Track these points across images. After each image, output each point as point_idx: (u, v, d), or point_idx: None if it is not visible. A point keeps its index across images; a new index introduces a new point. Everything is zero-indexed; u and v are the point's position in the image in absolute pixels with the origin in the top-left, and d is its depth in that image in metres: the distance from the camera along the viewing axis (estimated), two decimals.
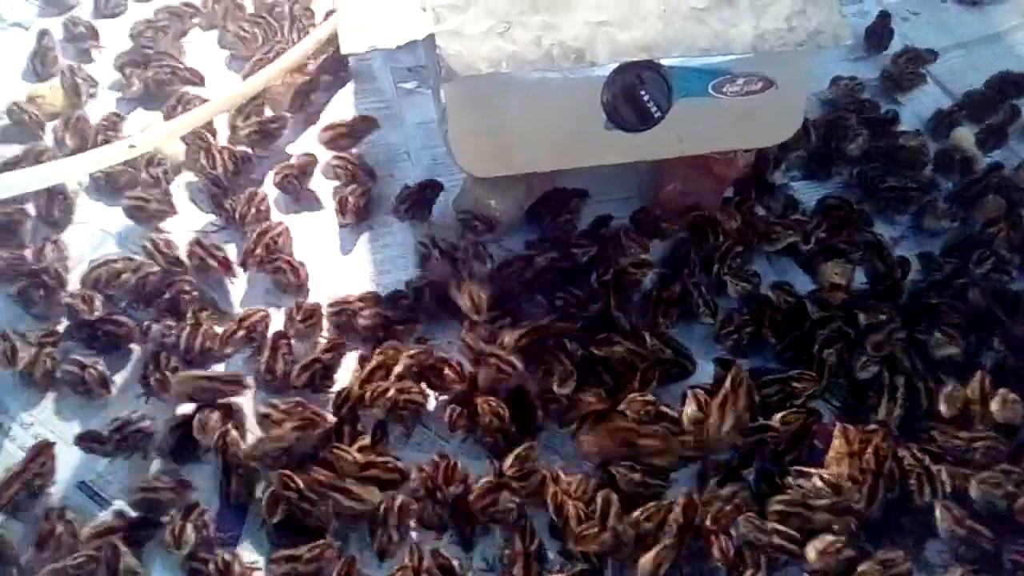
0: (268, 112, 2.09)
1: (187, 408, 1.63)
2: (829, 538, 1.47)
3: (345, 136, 2.03)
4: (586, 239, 1.86)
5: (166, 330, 1.69)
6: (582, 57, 1.58)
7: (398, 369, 1.63)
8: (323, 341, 1.73)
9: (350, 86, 2.20)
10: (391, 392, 1.59)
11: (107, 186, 1.95)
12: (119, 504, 1.54)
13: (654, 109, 1.69)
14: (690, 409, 1.62)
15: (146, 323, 1.71)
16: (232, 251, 1.86)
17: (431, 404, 1.67)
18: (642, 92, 1.67)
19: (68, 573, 1.42)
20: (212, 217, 1.94)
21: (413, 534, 1.50)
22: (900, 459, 1.58)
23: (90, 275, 1.77)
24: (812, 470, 1.56)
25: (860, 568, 1.46)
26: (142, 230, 1.89)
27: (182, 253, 1.82)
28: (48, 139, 2.03)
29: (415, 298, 1.78)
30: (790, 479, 1.56)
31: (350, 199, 1.91)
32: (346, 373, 1.69)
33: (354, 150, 2.04)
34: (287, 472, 1.49)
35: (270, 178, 1.98)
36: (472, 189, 1.89)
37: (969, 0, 2.52)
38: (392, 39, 1.60)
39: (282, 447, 1.53)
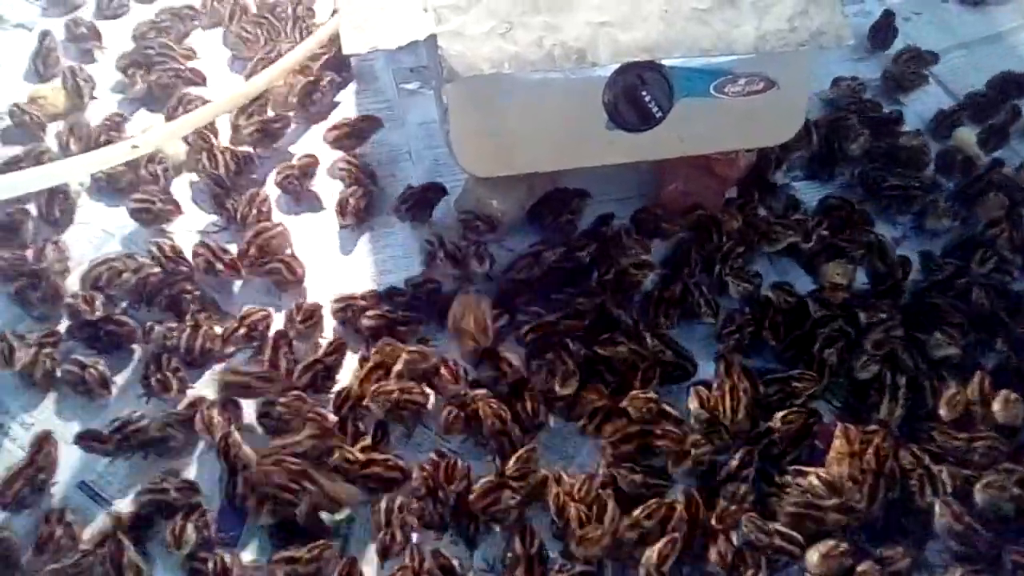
0: (270, 112, 2.09)
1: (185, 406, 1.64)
2: (830, 542, 1.47)
3: (350, 136, 2.03)
4: (588, 238, 1.86)
5: (168, 332, 1.69)
6: (584, 57, 1.58)
7: (397, 368, 1.63)
8: (323, 342, 1.73)
9: (352, 86, 2.21)
10: (394, 393, 1.59)
11: (109, 187, 1.96)
12: (118, 504, 1.55)
13: (655, 109, 1.69)
14: (694, 405, 1.63)
15: (148, 324, 1.71)
16: (234, 251, 1.86)
17: (431, 404, 1.67)
18: (643, 92, 1.67)
19: (67, 573, 1.42)
20: (214, 217, 1.94)
21: (414, 535, 1.50)
22: (901, 459, 1.58)
23: (90, 274, 1.77)
24: (810, 469, 1.56)
25: (859, 568, 1.46)
26: (144, 230, 1.90)
27: (186, 256, 1.82)
28: (50, 140, 2.03)
29: (412, 295, 1.78)
30: (789, 478, 1.56)
31: (350, 201, 1.91)
32: (347, 374, 1.69)
33: (358, 150, 2.04)
34: (265, 468, 1.49)
35: (272, 178, 1.99)
36: (474, 189, 1.89)
37: (971, 0, 2.52)
38: (394, 40, 1.60)
39: (297, 452, 1.54)
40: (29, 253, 1.80)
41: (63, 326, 1.74)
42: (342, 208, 1.91)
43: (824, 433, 1.63)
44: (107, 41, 2.24)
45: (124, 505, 1.54)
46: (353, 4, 1.67)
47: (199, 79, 2.15)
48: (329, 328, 1.77)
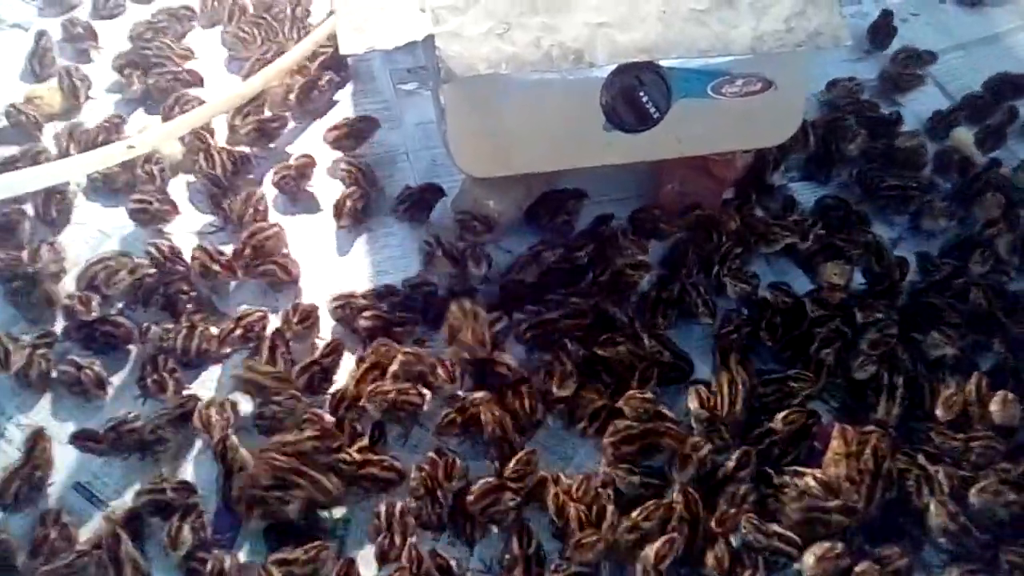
0: (267, 113, 2.09)
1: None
2: (826, 544, 1.47)
3: (349, 136, 2.03)
4: (587, 239, 1.86)
5: (164, 333, 1.69)
6: (581, 58, 1.58)
7: (393, 369, 1.63)
8: (320, 343, 1.73)
9: (349, 87, 2.20)
10: (391, 393, 1.59)
11: (105, 187, 1.95)
12: (114, 506, 1.54)
13: (653, 110, 1.69)
14: (693, 405, 1.63)
15: (145, 324, 1.71)
16: (231, 252, 1.86)
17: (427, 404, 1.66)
18: (641, 93, 1.67)
19: (62, 574, 1.42)
20: (211, 218, 1.93)
21: (412, 537, 1.50)
22: (898, 460, 1.58)
23: (86, 273, 1.77)
24: (807, 471, 1.56)
25: (857, 568, 1.46)
26: (140, 231, 1.89)
27: (184, 256, 1.81)
28: (46, 140, 2.02)
29: (408, 296, 1.78)
30: (787, 479, 1.55)
31: (347, 203, 1.91)
32: (344, 375, 1.69)
33: (357, 151, 2.04)
34: (251, 472, 1.49)
35: (269, 178, 1.98)
36: (471, 190, 1.89)
37: (968, 1, 2.53)
38: (391, 40, 1.60)
39: (296, 452, 1.53)
40: (25, 254, 1.79)
41: (59, 327, 1.74)
42: (339, 209, 1.91)
43: (822, 434, 1.63)
44: (103, 41, 2.24)
45: (120, 506, 1.53)
46: (350, 4, 1.66)
47: (197, 81, 2.15)
48: (326, 329, 1.77)
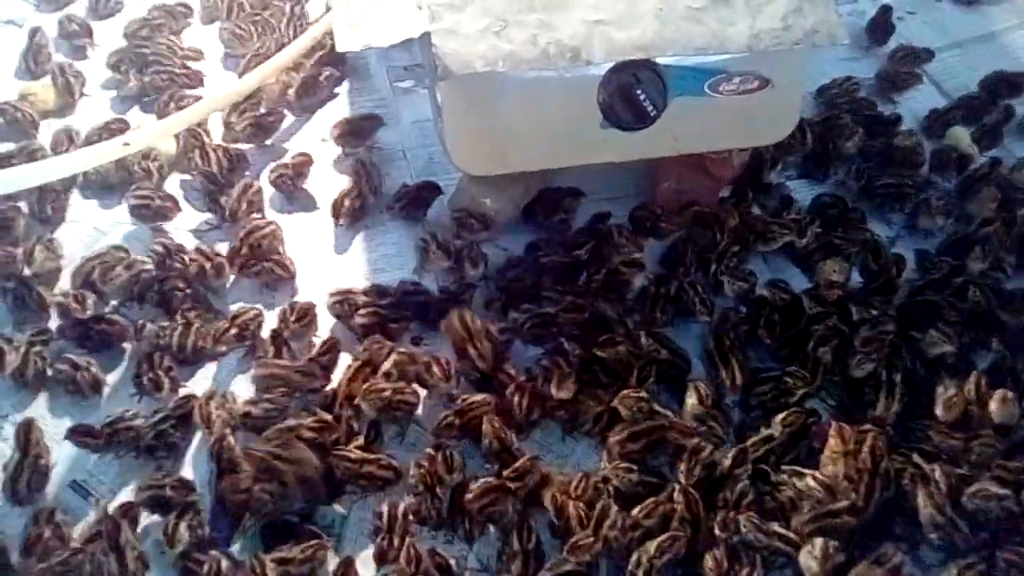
0: (263, 109, 2.08)
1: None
2: (819, 541, 1.46)
3: (351, 134, 2.03)
4: (586, 236, 1.86)
5: (160, 330, 1.69)
6: (578, 56, 1.58)
7: (385, 368, 1.63)
8: (317, 341, 1.72)
9: (346, 84, 2.20)
10: (386, 392, 1.58)
11: (100, 184, 1.94)
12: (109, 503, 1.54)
13: (650, 108, 1.68)
14: (691, 401, 1.63)
15: (140, 322, 1.70)
16: (227, 248, 1.86)
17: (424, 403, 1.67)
18: (638, 91, 1.66)
19: (55, 571, 1.41)
20: (207, 215, 1.93)
21: (410, 537, 1.49)
22: (895, 458, 1.58)
23: (82, 269, 1.77)
24: (807, 472, 1.56)
25: (854, 570, 1.46)
26: (136, 228, 1.89)
27: (182, 253, 1.81)
28: (42, 137, 2.02)
29: (402, 294, 1.77)
30: (785, 477, 1.55)
31: (346, 201, 1.90)
32: (342, 372, 1.68)
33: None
34: (234, 476, 1.50)
35: (265, 176, 1.98)
36: (468, 188, 1.88)
37: (964, 0, 2.52)
38: (387, 37, 1.60)
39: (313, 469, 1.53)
40: (19, 253, 1.79)
41: (54, 324, 1.73)
42: (337, 208, 1.91)
43: (820, 432, 1.62)
44: (99, 38, 2.23)
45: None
46: (347, 1, 1.66)
47: (195, 81, 2.14)
48: (323, 328, 1.76)
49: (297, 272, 1.84)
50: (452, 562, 1.46)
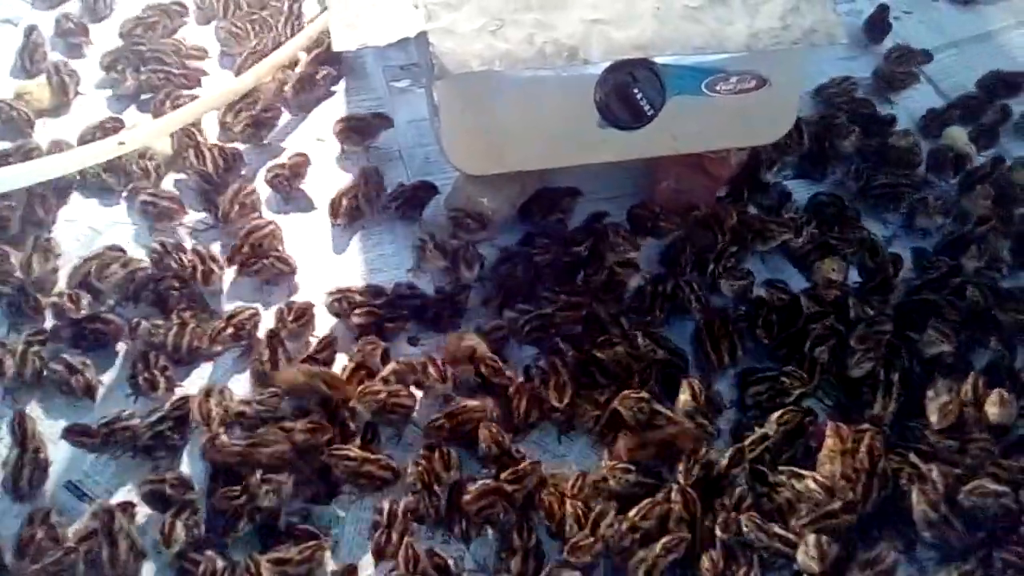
0: (260, 107, 2.07)
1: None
2: (811, 539, 1.46)
3: (356, 131, 2.02)
4: (585, 234, 1.86)
5: (154, 328, 1.68)
6: (575, 55, 1.57)
7: (384, 373, 1.63)
8: (314, 340, 1.72)
9: (343, 83, 2.20)
10: (381, 394, 1.58)
11: (96, 184, 1.94)
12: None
13: (647, 107, 1.68)
14: (684, 397, 1.63)
15: (135, 320, 1.70)
16: (221, 249, 1.86)
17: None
18: (635, 90, 1.66)
19: (48, 571, 1.40)
20: (202, 215, 1.92)
21: (408, 536, 1.49)
22: (892, 458, 1.58)
23: (78, 270, 1.76)
24: (807, 473, 1.55)
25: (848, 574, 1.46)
26: (131, 228, 1.89)
27: (185, 256, 1.80)
28: (37, 136, 2.01)
29: (397, 296, 1.77)
30: (783, 477, 1.55)
31: (343, 201, 1.90)
32: (339, 370, 1.68)
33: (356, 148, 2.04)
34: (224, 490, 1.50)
35: (261, 176, 1.97)
36: (464, 187, 1.88)
37: (961, 0, 2.52)
38: (384, 37, 1.59)
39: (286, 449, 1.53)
40: (12, 252, 1.78)
41: (50, 324, 1.72)
42: (335, 208, 1.90)
43: (817, 432, 1.62)
44: (95, 36, 2.22)
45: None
46: (343, 1, 1.65)
47: (191, 81, 2.14)
48: (320, 328, 1.76)
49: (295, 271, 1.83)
50: (450, 562, 1.45)
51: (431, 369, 1.63)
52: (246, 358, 1.70)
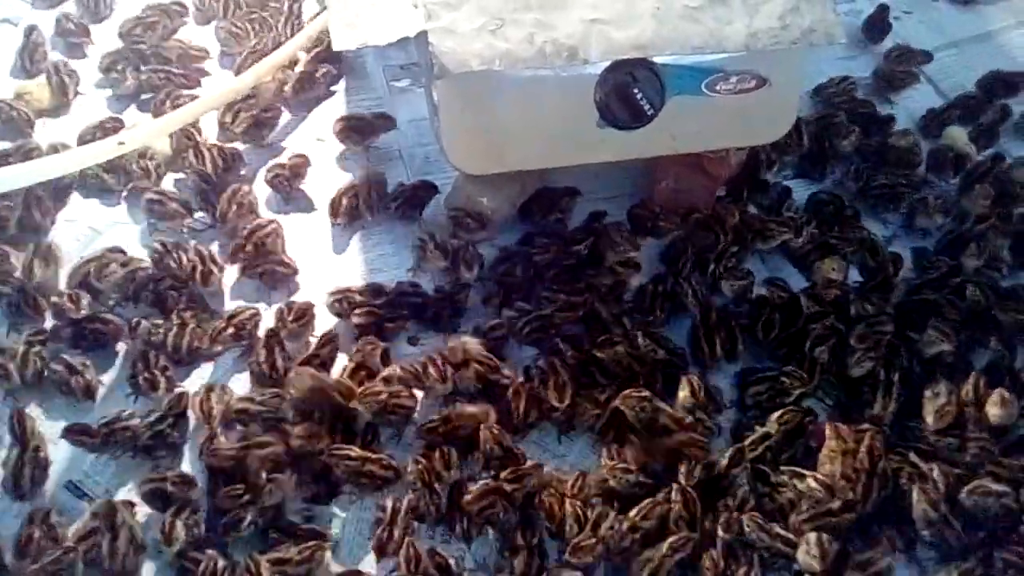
0: (260, 107, 2.07)
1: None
2: (812, 537, 1.46)
3: (356, 131, 2.02)
4: (585, 233, 1.86)
5: (153, 328, 1.68)
6: (575, 55, 1.57)
7: (386, 372, 1.63)
8: (314, 341, 1.72)
9: (343, 83, 2.19)
10: (382, 395, 1.58)
11: (96, 184, 1.94)
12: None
13: (647, 107, 1.68)
14: (683, 393, 1.63)
15: (135, 320, 1.70)
16: (220, 248, 1.86)
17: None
18: (635, 90, 1.66)
19: (47, 571, 1.40)
20: (201, 215, 1.92)
21: (410, 535, 1.49)
22: (893, 458, 1.58)
23: (78, 271, 1.76)
24: (808, 473, 1.55)
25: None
26: (131, 228, 1.89)
27: (186, 256, 1.79)
28: (37, 136, 2.01)
29: (398, 294, 1.77)
30: (785, 477, 1.55)
31: (343, 200, 1.90)
32: (342, 366, 1.69)
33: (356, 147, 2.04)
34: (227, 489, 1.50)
35: (261, 175, 1.97)
36: (464, 187, 1.88)
37: (961, 0, 2.52)
38: (384, 36, 1.59)
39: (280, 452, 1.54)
40: (14, 256, 1.78)
41: (50, 324, 1.72)
42: (335, 207, 1.90)
43: (817, 432, 1.62)
44: (95, 36, 2.22)
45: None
46: (343, 0, 1.65)
47: (192, 82, 2.14)
48: (320, 328, 1.75)
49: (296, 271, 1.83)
50: (451, 562, 1.45)
51: (431, 370, 1.63)
52: (246, 358, 1.70)
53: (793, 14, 1.63)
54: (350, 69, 2.22)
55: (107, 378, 1.68)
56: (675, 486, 1.51)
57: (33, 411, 1.63)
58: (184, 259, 1.78)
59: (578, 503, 1.50)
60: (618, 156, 1.79)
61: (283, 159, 1.99)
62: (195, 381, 1.68)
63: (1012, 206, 2.00)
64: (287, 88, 2.09)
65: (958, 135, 2.15)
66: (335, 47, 1.62)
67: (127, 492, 1.54)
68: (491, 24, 1.57)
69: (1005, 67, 2.29)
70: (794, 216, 1.93)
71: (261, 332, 1.71)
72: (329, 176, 2.01)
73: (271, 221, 1.86)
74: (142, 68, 2.12)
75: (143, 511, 1.51)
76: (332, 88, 2.18)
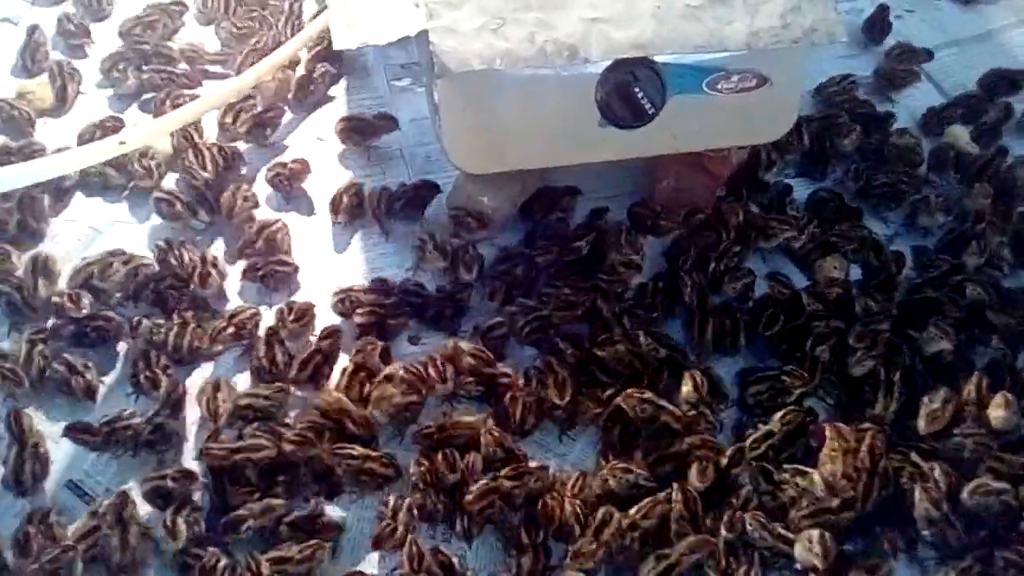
0: (259, 108, 2.07)
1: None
2: (815, 534, 1.46)
3: (358, 131, 2.02)
4: (586, 231, 1.86)
5: (155, 327, 1.68)
6: (575, 54, 1.57)
7: (389, 371, 1.63)
8: (314, 339, 1.72)
9: (344, 82, 2.19)
10: (397, 399, 1.58)
11: (97, 183, 1.94)
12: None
13: (648, 106, 1.68)
14: (686, 388, 1.63)
15: (136, 319, 1.70)
16: (219, 247, 1.86)
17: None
18: (636, 89, 1.66)
19: (47, 570, 1.40)
20: (200, 214, 1.92)
21: (412, 533, 1.49)
22: (894, 457, 1.58)
23: (80, 272, 1.76)
24: (811, 470, 1.55)
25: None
26: (132, 227, 1.89)
27: (187, 255, 1.80)
28: (38, 135, 2.01)
29: (402, 292, 1.77)
30: (787, 476, 1.55)
31: (344, 198, 1.90)
32: (344, 362, 1.69)
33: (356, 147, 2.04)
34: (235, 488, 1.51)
35: (262, 175, 1.97)
36: (465, 186, 1.88)
37: None
38: (385, 35, 1.59)
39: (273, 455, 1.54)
40: (14, 255, 1.78)
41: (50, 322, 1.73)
42: (336, 205, 1.90)
43: (817, 431, 1.62)
44: (96, 36, 2.22)
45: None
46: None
47: (193, 82, 2.14)
48: (320, 327, 1.75)
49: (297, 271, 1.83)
50: (455, 560, 1.45)
51: (431, 370, 1.63)
52: (247, 357, 1.70)
53: (794, 13, 1.63)
54: (351, 68, 2.22)
55: (108, 377, 1.68)
56: (676, 485, 1.51)
57: (33, 411, 1.63)
58: (186, 258, 1.78)
59: (578, 503, 1.50)
60: (619, 155, 1.79)
61: (284, 160, 1.99)
62: (196, 380, 1.68)
63: (1012, 204, 2.00)
64: (290, 87, 2.08)
65: (960, 133, 2.14)
66: (336, 46, 1.62)
67: (128, 492, 1.53)
68: (492, 23, 1.57)
69: (1007, 65, 2.28)
70: (796, 215, 1.93)
71: (262, 332, 1.71)
72: (329, 176, 2.00)
73: (276, 219, 1.86)
74: (143, 68, 2.12)
75: (143, 510, 1.51)
76: (333, 88, 2.17)
